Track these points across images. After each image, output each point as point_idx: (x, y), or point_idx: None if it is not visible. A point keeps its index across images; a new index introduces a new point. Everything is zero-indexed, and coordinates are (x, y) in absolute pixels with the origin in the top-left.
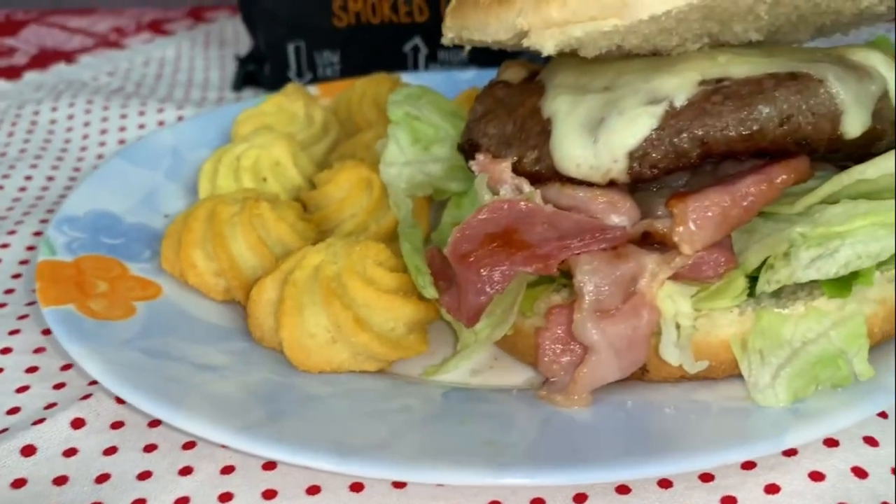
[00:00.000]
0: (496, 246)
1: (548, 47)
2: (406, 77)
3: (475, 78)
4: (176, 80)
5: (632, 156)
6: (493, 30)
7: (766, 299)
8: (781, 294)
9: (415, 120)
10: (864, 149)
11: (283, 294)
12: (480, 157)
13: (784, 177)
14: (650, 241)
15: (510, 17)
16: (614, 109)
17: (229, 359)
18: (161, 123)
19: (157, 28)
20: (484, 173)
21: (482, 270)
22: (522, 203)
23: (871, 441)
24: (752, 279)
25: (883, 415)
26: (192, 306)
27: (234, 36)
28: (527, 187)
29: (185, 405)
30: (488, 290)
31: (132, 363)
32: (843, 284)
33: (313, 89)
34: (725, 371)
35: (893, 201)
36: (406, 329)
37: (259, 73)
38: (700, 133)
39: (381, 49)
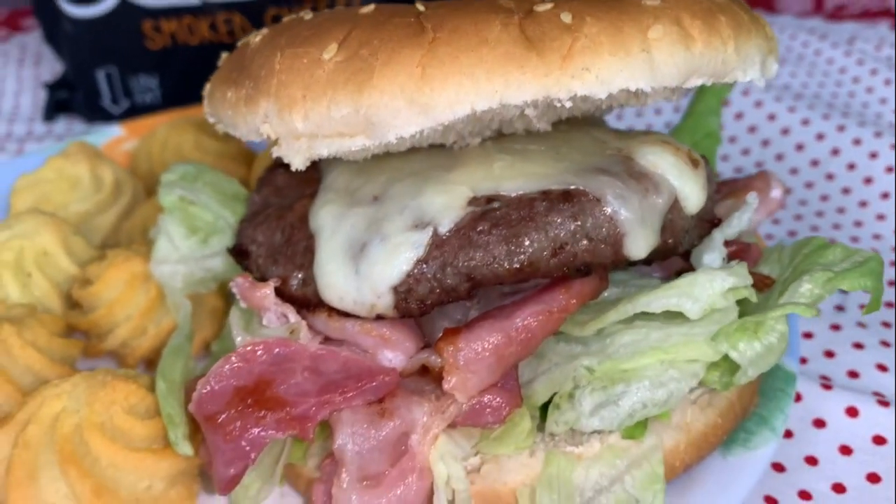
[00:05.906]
0: (247, 405)
1: (296, 162)
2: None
3: None
4: None
5: (396, 291)
6: (243, 131)
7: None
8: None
9: (190, 205)
10: (658, 261)
11: (12, 459)
12: (240, 280)
13: (566, 303)
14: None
15: (256, 122)
16: (377, 234)
17: None
18: None
19: None
20: (239, 304)
21: (229, 437)
22: (278, 347)
23: None
24: (546, 407)
25: None
26: None
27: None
28: (293, 316)
29: None
30: (237, 462)
31: None
32: (636, 424)
33: (117, 129)
34: None
35: (691, 329)
36: (166, 484)
37: (72, 99)
38: (466, 267)
39: (203, 71)
